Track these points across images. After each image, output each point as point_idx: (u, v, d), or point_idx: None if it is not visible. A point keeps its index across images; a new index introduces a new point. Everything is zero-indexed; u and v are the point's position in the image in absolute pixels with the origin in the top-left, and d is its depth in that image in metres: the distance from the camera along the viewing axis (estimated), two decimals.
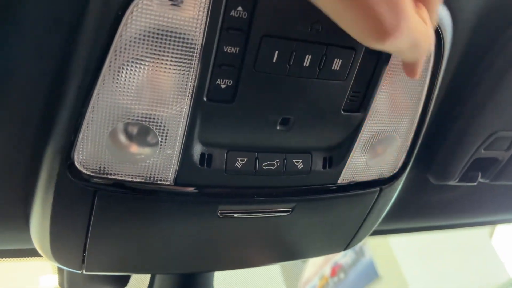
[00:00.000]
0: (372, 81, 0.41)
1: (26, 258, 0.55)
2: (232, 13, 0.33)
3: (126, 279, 0.62)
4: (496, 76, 0.48)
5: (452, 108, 0.51)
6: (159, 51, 0.33)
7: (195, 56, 0.34)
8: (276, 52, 0.35)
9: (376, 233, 0.69)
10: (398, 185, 0.53)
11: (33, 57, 0.34)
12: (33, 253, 0.49)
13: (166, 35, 0.33)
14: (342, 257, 2.98)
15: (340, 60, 0.38)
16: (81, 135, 0.36)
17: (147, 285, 0.69)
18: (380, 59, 0.40)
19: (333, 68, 0.38)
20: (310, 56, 0.36)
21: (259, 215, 0.46)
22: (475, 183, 0.59)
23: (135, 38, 0.32)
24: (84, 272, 0.45)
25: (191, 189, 0.41)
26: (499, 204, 0.74)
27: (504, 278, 2.74)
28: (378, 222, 0.58)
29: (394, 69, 0.41)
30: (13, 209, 0.43)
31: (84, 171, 0.37)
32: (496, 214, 0.77)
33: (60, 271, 0.64)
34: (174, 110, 0.36)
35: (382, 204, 0.54)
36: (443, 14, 0.40)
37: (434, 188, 0.64)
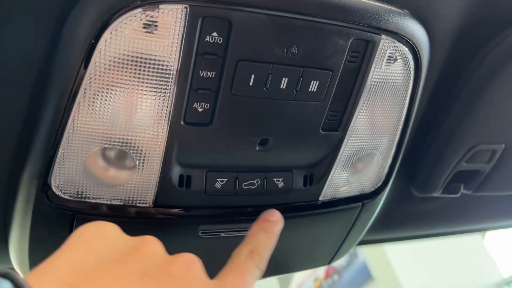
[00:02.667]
0: (350, 100, 0.41)
1: None
2: (207, 38, 0.33)
3: None
4: (475, 90, 0.49)
5: (433, 123, 0.52)
6: (134, 77, 0.33)
7: (171, 81, 0.34)
8: (253, 75, 0.35)
9: (362, 243, 0.70)
10: (380, 199, 0.53)
11: (8, 82, 0.34)
12: None
13: (141, 62, 0.33)
14: None
15: (317, 82, 0.38)
16: (57, 160, 0.36)
17: None
18: (357, 79, 0.40)
19: (310, 89, 0.38)
20: (286, 79, 0.37)
21: (241, 233, 0.46)
22: (458, 195, 0.60)
23: (109, 65, 0.32)
24: None
25: (171, 210, 0.41)
26: (484, 213, 0.74)
27: (497, 278, 2.76)
28: (361, 236, 0.58)
29: (372, 88, 0.41)
30: None
31: (62, 195, 0.37)
32: (481, 223, 0.78)
33: None
34: (151, 134, 0.36)
35: (365, 218, 0.54)
36: (420, 33, 0.41)
37: (418, 199, 0.65)
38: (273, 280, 2.75)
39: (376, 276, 2.65)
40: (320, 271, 3.13)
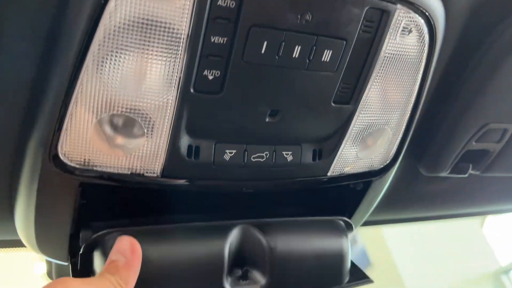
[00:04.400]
0: (363, 72, 0.40)
1: (12, 248, 0.54)
2: (220, 2, 0.32)
3: None
4: (488, 68, 0.48)
5: (444, 100, 0.51)
6: (144, 41, 0.32)
7: (181, 47, 0.33)
8: (265, 42, 0.35)
9: (367, 223, 0.69)
10: (389, 177, 0.52)
11: (15, 48, 0.33)
12: (19, 244, 0.49)
13: (151, 25, 0.32)
14: None
15: (331, 51, 0.37)
16: (64, 127, 0.35)
17: None
18: (371, 50, 0.39)
19: (323, 59, 0.37)
20: (299, 47, 0.36)
21: None
22: (466, 175, 0.59)
23: (119, 28, 0.31)
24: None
25: (178, 181, 0.41)
26: (489, 195, 0.74)
27: (495, 266, 2.78)
28: (368, 214, 0.58)
29: (385, 60, 0.40)
30: None
31: (69, 163, 0.37)
32: (486, 205, 0.77)
33: (47, 260, 0.63)
34: (160, 102, 0.35)
35: (373, 196, 0.54)
36: (436, 6, 0.40)
37: (425, 179, 0.64)
38: None
39: (375, 262, 2.67)
40: None
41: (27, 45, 0.33)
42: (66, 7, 0.32)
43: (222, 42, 0.34)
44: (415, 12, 0.38)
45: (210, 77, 0.36)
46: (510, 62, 0.47)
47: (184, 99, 0.36)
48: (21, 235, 0.44)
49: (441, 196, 0.69)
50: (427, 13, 0.39)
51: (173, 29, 0.32)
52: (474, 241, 2.86)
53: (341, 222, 0.51)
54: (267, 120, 0.40)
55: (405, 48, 0.40)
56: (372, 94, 0.42)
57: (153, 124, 0.36)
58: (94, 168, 0.38)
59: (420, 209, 0.73)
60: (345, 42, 0.37)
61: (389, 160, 0.50)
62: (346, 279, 0.50)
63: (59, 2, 0.32)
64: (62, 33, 0.33)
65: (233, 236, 0.44)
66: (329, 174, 0.47)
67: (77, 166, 0.37)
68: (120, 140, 0.37)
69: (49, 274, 0.56)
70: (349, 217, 0.54)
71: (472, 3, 0.43)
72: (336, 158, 0.46)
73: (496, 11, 0.45)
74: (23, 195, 0.40)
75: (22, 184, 0.40)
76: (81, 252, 0.41)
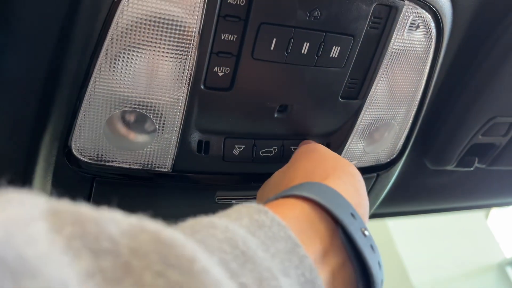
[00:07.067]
0: (370, 68, 0.41)
1: None
2: (230, 0, 0.33)
3: None
4: (495, 62, 0.48)
5: (451, 94, 0.51)
6: (156, 38, 0.33)
7: (192, 44, 0.34)
8: (274, 39, 0.35)
9: (374, 216, 0.70)
10: (395, 170, 0.53)
11: (30, 44, 0.34)
12: None
13: (163, 23, 0.32)
14: None
15: (339, 48, 0.37)
16: (78, 123, 0.36)
17: None
18: (378, 46, 0.39)
19: (331, 55, 0.38)
20: (308, 44, 0.36)
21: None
22: (472, 168, 0.59)
23: (131, 25, 0.32)
24: None
25: (189, 176, 0.42)
26: (494, 188, 0.74)
27: (499, 258, 2.77)
28: (375, 207, 0.59)
29: (393, 56, 0.41)
30: None
31: (82, 158, 0.38)
32: (491, 198, 0.78)
33: None
34: (171, 98, 0.36)
35: (379, 190, 0.54)
36: (443, 1, 0.40)
37: (431, 173, 0.64)
38: None
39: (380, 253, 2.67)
40: None
41: (42, 40, 0.34)
42: (79, 5, 0.32)
43: (232, 39, 0.34)
44: (423, 7, 0.39)
45: (220, 74, 0.36)
46: None
47: (195, 95, 0.36)
48: None
49: (447, 189, 0.69)
50: (434, 9, 0.39)
51: (184, 26, 0.33)
52: (479, 232, 2.85)
53: None
54: (275, 115, 0.41)
55: (413, 44, 0.41)
56: (380, 89, 0.42)
57: (164, 120, 0.37)
58: (107, 164, 0.38)
59: (426, 202, 0.73)
60: (353, 39, 0.37)
61: (396, 154, 0.51)
62: None
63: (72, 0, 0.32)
64: (76, 31, 0.33)
65: None
66: None
67: (90, 161, 0.38)
68: (132, 135, 0.38)
69: None
70: None
71: None
72: (343, 152, 0.46)
73: (503, 4, 0.45)
74: (36, 189, 0.41)
75: (36, 177, 0.40)
76: None
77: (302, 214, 0.27)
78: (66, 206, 0.17)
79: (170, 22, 0.32)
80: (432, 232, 2.62)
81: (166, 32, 0.33)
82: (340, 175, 0.33)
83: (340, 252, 0.27)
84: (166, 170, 0.40)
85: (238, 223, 0.23)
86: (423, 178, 0.64)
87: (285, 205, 0.28)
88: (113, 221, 0.17)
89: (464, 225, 2.77)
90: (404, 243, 2.59)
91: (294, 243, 0.23)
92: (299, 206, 0.28)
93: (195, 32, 0.33)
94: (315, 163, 0.35)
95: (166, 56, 0.34)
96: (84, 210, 0.17)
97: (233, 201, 0.46)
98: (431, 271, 2.58)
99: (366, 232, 0.29)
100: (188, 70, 0.35)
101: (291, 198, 0.29)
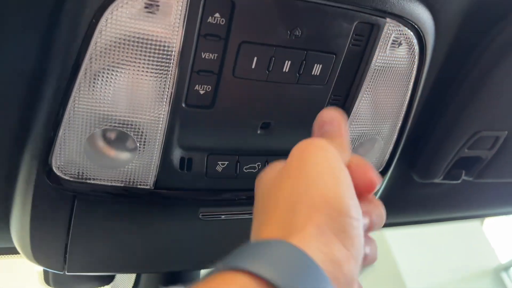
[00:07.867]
0: (353, 85, 0.41)
1: (9, 256, 0.55)
2: (210, 19, 0.33)
3: (111, 276, 0.63)
4: (479, 76, 0.48)
5: (436, 108, 0.51)
6: (135, 58, 0.33)
7: (173, 63, 0.34)
8: (255, 58, 0.35)
9: None
10: (381, 184, 0.53)
11: (9, 63, 0.34)
12: (15, 251, 0.49)
13: (142, 42, 0.32)
14: None
15: (321, 65, 0.37)
16: (58, 141, 0.35)
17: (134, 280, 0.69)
18: (361, 63, 0.39)
19: (313, 73, 0.38)
20: (289, 62, 0.36)
21: (241, 216, 0.46)
22: (459, 181, 0.60)
23: (110, 45, 0.32)
24: (66, 273, 0.45)
25: (171, 192, 0.41)
26: (484, 199, 0.74)
27: (495, 264, 2.78)
28: None
29: (376, 72, 0.41)
30: None
31: (63, 176, 0.37)
32: (480, 209, 0.78)
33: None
34: (152, 116, 0.36)
35: None
36: (425, 17, 0.40)
37: (419, 185, 0.64)
38: None
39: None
40: None
41: (20, 59, 0.34)
42: (58, 24, 0.32)
43: (213, 58, 0.34)
44: (405, 25, 0.39)
45: (202, 92, 0.36)
46: (500, 70, 0.48)
47: (176, 113, 0.36)
48: (17, 244, 0.45)
49: (436, 201, 0.69)
50: (416, 26, 0.39)
51: (164, 46, 0.33)
52: (475, 238, 2.86)
53: None
54: (258, 132, 0.41)
55: (395, 60, 0.41)
56: (363, 105, 0.42)
57: (145, 138, 0.37)
58: (88, 181, 0.38)
59: (415, 213, 0.73)
60: (334, 56, 0.37)
61: (382, 168, 0.51)
62: None
63: (51, 18, 0.32)
64: (55, 49, 0.33)
65: None
66: None
67: (71, 179, 0.38)
68: (113, 153, 0.37)
69: (46, 281, 0.57)
70: None
71: (460, 14, 0.43)
72: None
73: (487, 17, 0.46)
74: (18, 206, 0.41)
75: (17, 195, 0.40)
76: None
77: None
78: None
79: (150, 42, 0.32)
80: (427, 238, 2.62)
81: (145, 51, 0.33)
82: (326, 220, 0.26)
83: None
84: (148, 187, 0.40)
85: None
86: (411, 190, 0.64)
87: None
88: None
89: (460, 231, 2.77)
90: (399, 249, 2.59)
91: None
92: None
93: (175, 51, 0.33)
94: (304, 187, 0.28)
95: (146, 75, 0.34)
96: None
97: (222, 216, 0.46)
98: (426, 277, 2.58)
99: None
100: (168, 89, 0.35)
101: (236, 272, 0.22)
